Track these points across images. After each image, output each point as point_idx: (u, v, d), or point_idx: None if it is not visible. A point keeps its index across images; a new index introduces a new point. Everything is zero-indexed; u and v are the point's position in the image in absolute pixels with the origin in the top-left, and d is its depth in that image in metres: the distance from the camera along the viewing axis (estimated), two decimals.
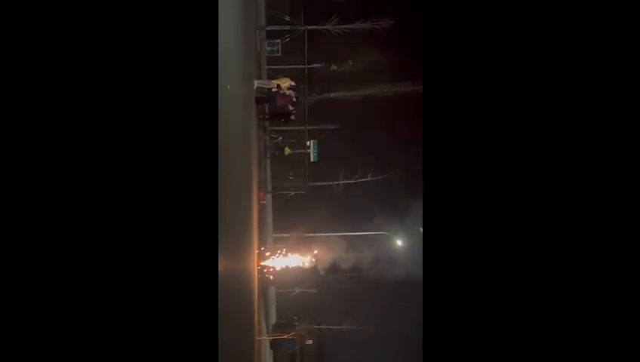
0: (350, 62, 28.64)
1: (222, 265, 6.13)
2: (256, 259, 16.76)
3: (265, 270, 19.29)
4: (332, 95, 28.67)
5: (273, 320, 26.84)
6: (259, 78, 20.16)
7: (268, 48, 27.15)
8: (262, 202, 21.87)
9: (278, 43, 27.41)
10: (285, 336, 21.18)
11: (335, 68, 28.53)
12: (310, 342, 27.68)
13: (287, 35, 27.74)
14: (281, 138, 25.60)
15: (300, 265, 21.46)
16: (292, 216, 28.58)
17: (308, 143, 27.23)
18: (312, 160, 27.46)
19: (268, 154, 25.41)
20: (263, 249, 19.20)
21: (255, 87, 16.94)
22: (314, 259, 22.43)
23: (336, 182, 29.24)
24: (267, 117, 20.04)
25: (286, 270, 20.53)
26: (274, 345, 22.73)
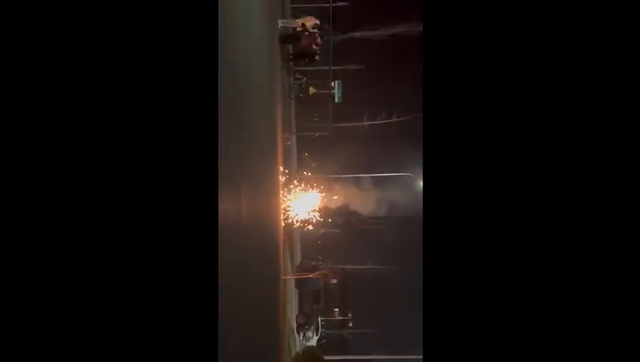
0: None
1: (245, 205, 6.21)
2: (280, 199, 16.89)
3: (289, 213, 19.39)
4: (356, 34, 28.17)
5: (298, 259, 27.27)
6: (283, 17, 19.84)
7: None
8: (286, 143, 21.90)
9: None
10: (310, 276, 21.50)
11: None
12: (334, 281, 28.13)
13: None
14: (305, 79, 25.37)
15: (324, 205, 21.54)
16: (316, 158, 28.63)
17: (332, 84, 26.97)
18: (336, 101, 27.25)
19: (292, 95, 25.27)
20: (287, 189, 19.30)
21: (279, 27, 16.70)
22: (338, 200, 22.55)
23: (360, 123, 29.03)
24: (291, 57, 19.84)
25: (310, 211, 20.61)
26: (299, 284, 23.18)
